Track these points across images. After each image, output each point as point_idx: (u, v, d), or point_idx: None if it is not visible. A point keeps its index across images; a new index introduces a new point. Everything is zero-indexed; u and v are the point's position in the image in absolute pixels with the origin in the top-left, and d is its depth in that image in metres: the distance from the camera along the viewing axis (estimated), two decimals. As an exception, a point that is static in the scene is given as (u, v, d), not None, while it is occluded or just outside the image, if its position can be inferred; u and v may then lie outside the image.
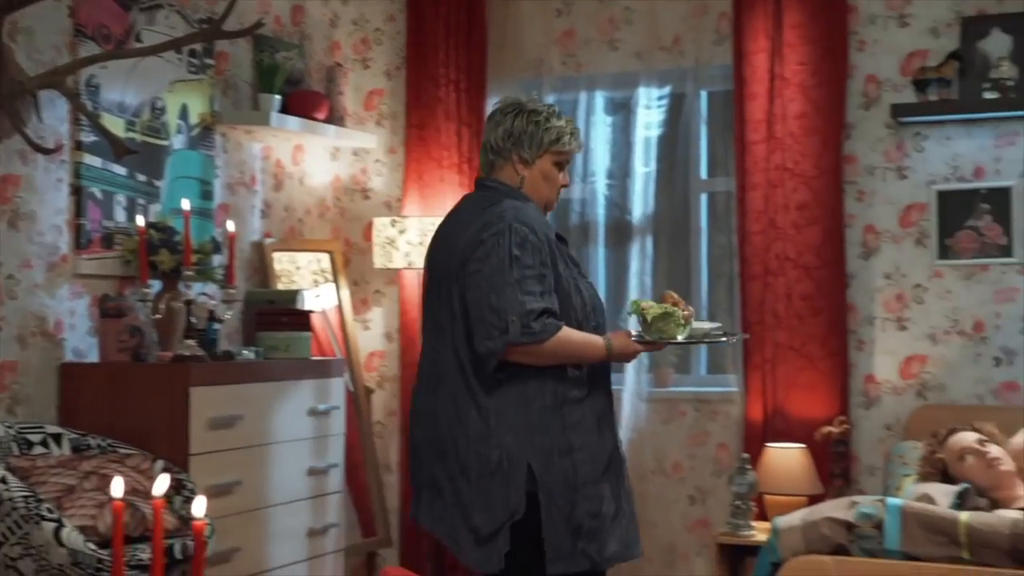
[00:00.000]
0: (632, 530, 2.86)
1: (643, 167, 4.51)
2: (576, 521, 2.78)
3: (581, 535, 2.78)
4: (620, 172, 4.58)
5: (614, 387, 3.00)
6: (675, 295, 2.87)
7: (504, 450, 2.77)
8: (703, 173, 4.59)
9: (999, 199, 4.14)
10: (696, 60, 4.47)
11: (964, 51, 4.14)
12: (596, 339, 2.84)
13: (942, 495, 3.34)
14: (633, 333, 2.87)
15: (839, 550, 3.03)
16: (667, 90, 4.52)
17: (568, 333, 2.78)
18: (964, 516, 2.77)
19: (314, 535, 3.87)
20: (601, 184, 4.60)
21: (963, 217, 4.19)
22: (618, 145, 4.59)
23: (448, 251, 2.87)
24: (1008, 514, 3.12)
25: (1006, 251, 4.14)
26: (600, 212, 4.61)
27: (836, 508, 3.03)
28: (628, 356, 2.93)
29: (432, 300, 2.92)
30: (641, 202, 4.52)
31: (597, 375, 2.90)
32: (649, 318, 2.82)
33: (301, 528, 3.82)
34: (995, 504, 3.38)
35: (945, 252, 4.22)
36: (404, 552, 4.69)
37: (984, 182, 4.17)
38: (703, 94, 4.56)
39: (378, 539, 4.62)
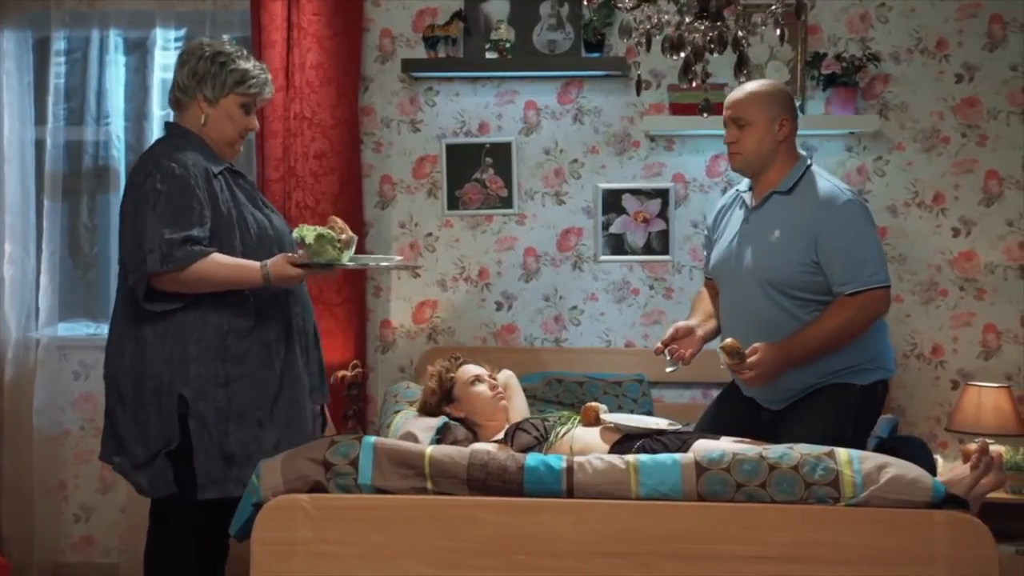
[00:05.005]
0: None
1: (160, 110, 4.40)
2: (229, 449, 2.95)
3: (235, 462, 2.96)
4: (137, 115, 4.45)
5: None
6: (339, 220, 3.01)
7: (159, 380, 2.92)
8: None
9: (501, 153, 4.41)
10: (214, 3, 4.41)
11: (468, 11, 4.35)
12: (251, 264, 2.95)
13: (424, 431, 3.52)
14: (298, 259, 2.97)
15: (317, 488, 3.10)
16: (184, 32, 4.43)
17: (217, 259, 2.91)
18: (429, 449, 2.92)
19: None
20: (118, 127, 4.45)
21: (470, 170, 4.43)
22: (134, 87, 4.46)
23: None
24: (474, 446, 3.33)
25: (507, 202, 4.42)
26: (118, 156, 4.46)
27: (315, 448, 3.11)
28: (288, 280, 3.00)
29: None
30: (161, 146, 4.41)
31: (270, 304, 3.04)
32: (307, 242, 2.92)
33: None
34: (477, 436, 3.60)
35: (454, 203, 4.44)
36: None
37: (488, 137, 4.42)
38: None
39: None
